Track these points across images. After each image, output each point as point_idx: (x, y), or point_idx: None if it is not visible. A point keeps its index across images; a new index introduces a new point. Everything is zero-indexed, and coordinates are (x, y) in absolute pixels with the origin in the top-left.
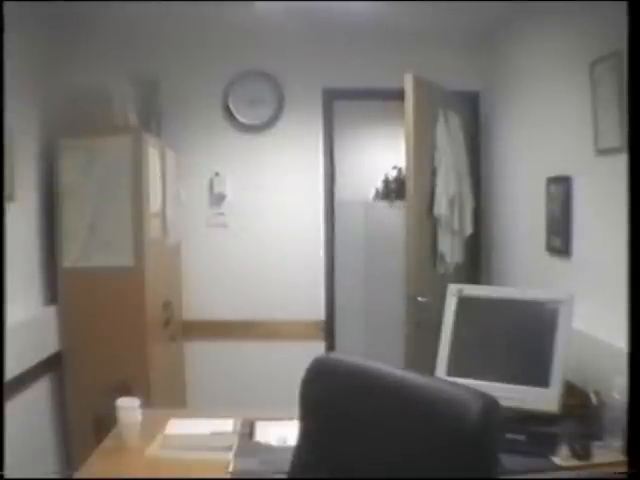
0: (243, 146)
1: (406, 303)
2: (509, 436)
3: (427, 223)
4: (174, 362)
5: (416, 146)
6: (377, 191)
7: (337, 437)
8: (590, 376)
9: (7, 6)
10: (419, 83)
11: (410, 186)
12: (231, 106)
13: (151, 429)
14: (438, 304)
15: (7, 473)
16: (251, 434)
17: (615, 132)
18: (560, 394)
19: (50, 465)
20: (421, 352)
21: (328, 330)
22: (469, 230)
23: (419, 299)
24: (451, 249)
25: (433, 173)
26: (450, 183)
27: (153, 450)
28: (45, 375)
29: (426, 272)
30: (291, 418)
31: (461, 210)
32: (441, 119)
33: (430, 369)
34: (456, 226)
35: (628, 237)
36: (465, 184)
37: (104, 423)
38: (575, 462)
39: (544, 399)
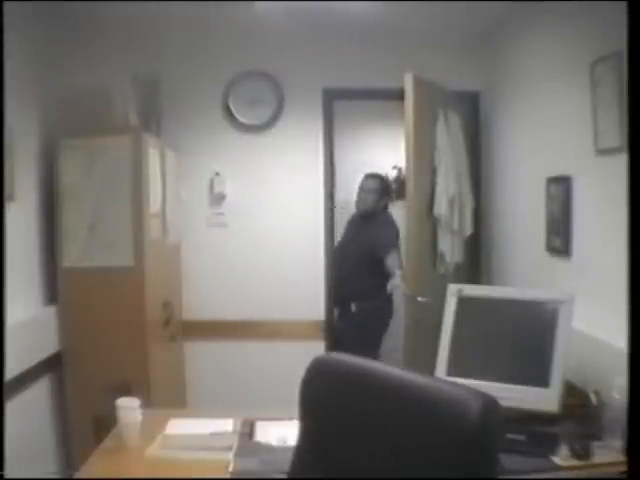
0: (243, 146)
1: (405, 303)
2: (509, 436)
3: (427, 223)
4: (174, 362)
5: (416, 146)
6: None
7: (337, 437)
8: (590, 376)
9: (7, 6)
10: (419, 83)
11: (410, 186)
12: (231, 106)
13: (151, 429)
14: (438, 304)
15: (7, 473)
16: (251, 434)
17: (615, 132)
18: (560, 394)
19: (50, 465)
20: (421, 352)
21: (328, 330)
22: (469, 230)
23: (419, 299)
24: (451, 249)
25: (433, 173)
26: (450, 183)
27: (153, 450)
28: (45, 375)
29: (426, 272)
30: (291, 418)
31: (461, 210)
32: (441, 119)
33: (430, 369)
34: (456, 226)
35: (628, 237)
36: (465, 184)
37: (104, 423)
38: (575, 462)
39: (544, 399)
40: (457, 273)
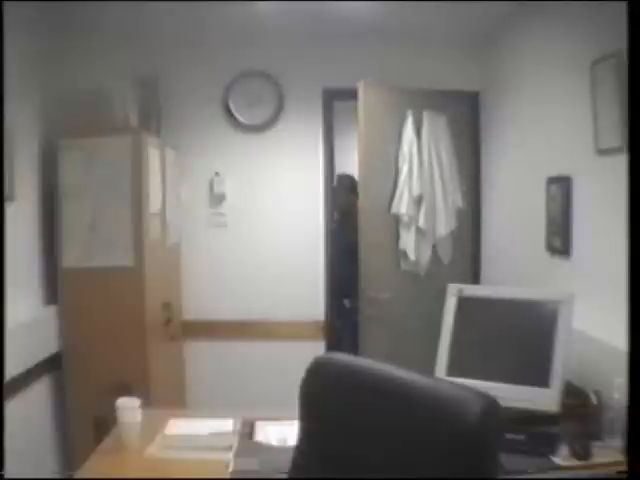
0: (243, 146)
1: (359, 297)
2: (509, 436)
3: (387, 222)
4: (174, 362)
5: (368, 148)
6: None
7: (337, 437)
8: (590, 376)
9: (7, 6)
10: (377, 87)
11: (361, 185)
12: (231, 106)
13: (151, 429)
14: (401, 300)
15: (7, 473)
16: (251, 434)
17: (615, 132)
18: (560, 394)
19: (50, 465)
20: (376, 345)
21: (328, 330)
22: (442, 230)
23: (371, 294)
24: (415, 247)
25: (397, 174)
26: (414, 183)
27: (153, 450)
28: (45, 375)
29: (382, 269)
30: (291, 418)
31: (431, 210)
32: (409, 121)
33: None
34: (423, 225)
35: (628, 237)
36: (448, 184)
37: (104, 423)
38: (575, 462)
39: (544, 399)
40: (453, 272)
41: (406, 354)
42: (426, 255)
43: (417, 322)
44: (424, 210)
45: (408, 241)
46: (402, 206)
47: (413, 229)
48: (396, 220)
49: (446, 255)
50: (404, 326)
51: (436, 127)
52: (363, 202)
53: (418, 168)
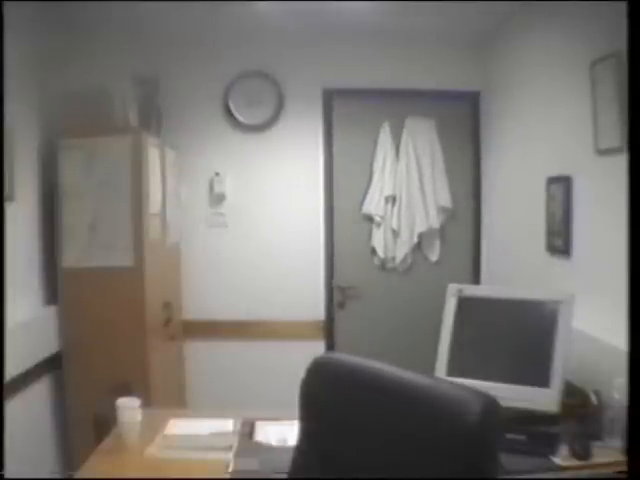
0: (243, 146)
1: (333, 287)
2: (509, 436)
3: (364, 220)
4: (174, 362)
5: (337, 154)
6: None
7: (337, 437)
8: (590, 376)
9: (7, 6)
10: (353, 93)
11: (336, 184)
12: (231, 106)
13: (151, 429)
14: (372, 291)
15: (7, 473)
16: (251, 434)
17: (615, 132)
18: (560, 394)
19: (50, 465)
20: (347, 330)
21: (328, 330)
22: (419, 229)
23: (339, 285)
24: (385, 245)
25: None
26: (386, 184)
27: (153, 450)
28: (45, 375)
29: (354, 263)
30: (291, 418)
31: (407, 210)
32: (385, 128)
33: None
34: (394, 225)
35: (628, 237)
36: (426, 184)
37: (104, 423)
38: (575, 462)
39: (544, 399)
40: (446, 270)
41: (371, 334)
42: (402, 252)
43: (388, 311)
44: (397, 210)
45: (378, 239)
46: (372, 206)
47: (383, 228)
48: (370, 219)
49: (433, 253)
50: (373, 313)
51: (418, 131)
52: (338, 201)
53: (392, 171)
